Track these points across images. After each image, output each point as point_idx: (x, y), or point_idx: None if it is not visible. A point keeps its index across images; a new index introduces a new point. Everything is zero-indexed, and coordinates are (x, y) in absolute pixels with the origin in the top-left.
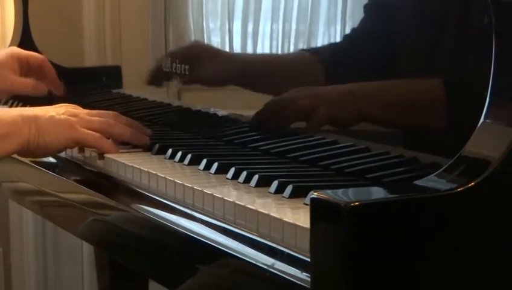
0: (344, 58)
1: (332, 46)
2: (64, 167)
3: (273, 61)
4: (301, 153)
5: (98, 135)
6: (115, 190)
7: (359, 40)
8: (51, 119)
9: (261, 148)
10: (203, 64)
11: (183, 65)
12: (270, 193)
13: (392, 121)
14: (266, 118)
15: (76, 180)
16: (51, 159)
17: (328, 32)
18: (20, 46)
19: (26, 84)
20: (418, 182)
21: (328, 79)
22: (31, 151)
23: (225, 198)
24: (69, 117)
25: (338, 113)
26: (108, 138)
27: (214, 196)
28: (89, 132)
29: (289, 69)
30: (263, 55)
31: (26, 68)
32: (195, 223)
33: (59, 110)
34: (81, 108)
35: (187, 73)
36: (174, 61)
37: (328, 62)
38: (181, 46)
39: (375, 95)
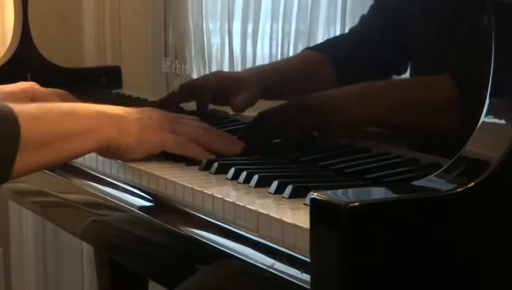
0: (344, 59)
1: (333, 47)
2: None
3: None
4: (301, 153)
5: (183, 139)
6: (114, 190)
7: (359, 41)
8: (136, 122)
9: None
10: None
11: (183, 66)
12: (270, 193)
13: (392, 122)
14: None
15: (76, 181)
16: None
17: (328, 32)
18: (20, 46)
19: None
20: (417, 182)
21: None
22: (111, 152)
23: (225, 198)
24: (155, 121)
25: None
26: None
27: (214, 197)
28: (174, 136)
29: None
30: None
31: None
32: (195, 223)
33: (144, 114)
34: (167, 113)
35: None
36: (174, 61)
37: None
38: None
39: (376, 95)
